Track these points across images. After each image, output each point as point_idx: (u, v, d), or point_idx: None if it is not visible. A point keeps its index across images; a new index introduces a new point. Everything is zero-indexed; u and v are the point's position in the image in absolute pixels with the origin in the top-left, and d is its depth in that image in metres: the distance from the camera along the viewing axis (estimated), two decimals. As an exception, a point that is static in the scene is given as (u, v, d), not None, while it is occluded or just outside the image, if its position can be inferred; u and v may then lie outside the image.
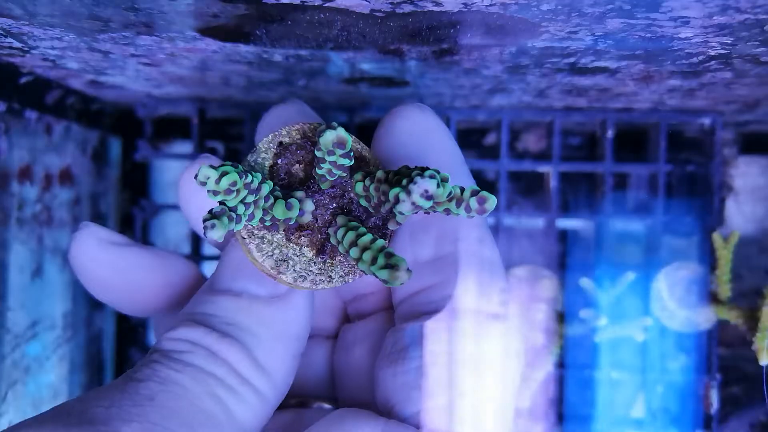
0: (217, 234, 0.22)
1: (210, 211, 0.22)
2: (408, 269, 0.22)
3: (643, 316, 0.53)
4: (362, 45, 0.34)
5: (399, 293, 0.28)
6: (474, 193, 0.23)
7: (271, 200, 0.24)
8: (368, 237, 0.23)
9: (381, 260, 0.22)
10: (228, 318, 0.26)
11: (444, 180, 0.22)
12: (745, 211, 0.61)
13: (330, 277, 0.26)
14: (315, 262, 0.25)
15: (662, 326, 0.53)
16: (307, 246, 0.26)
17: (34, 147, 0.46)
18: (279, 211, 0.24)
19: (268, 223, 0.25)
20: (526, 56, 0.36)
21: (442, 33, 0.32)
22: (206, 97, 0.52)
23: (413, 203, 0.21)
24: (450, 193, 0.22)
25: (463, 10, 0.28)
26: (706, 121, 0.53)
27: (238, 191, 0.22)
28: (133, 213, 0.56)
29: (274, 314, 0.26)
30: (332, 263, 0.26)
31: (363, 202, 0.25)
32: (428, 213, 0.24)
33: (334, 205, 0.26)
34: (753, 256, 0.61)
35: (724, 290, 0.51)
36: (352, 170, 0.26)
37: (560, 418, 0.54)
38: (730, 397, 0.59)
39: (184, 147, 0.60)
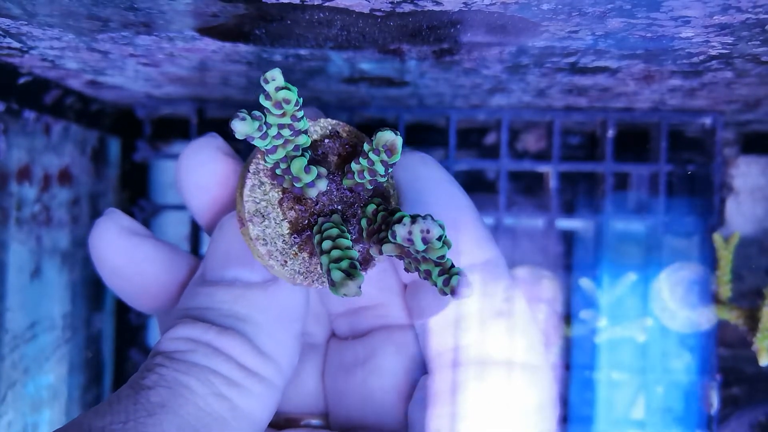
0: (241, 128, 0.22)
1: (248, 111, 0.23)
2: (359, 288, 0.22)
3: (643, 316, 0.53)
4: (362, 44, 0.34)
5: (431, 350, 0.28)
6: (460, 273, 0.22)
7: (299, 153, 0.24)
8: (348, 243, 0.23)
9: (344, 264, 0.22)
10: (225, 310, 0.26)
11: (447, 243, 0.22)
12: (746, 212, 0.61)
13: (285, 262, 0.25)
14: (285, 240, 0.25)
15: (663, 327, 0.53)
16: (290, 221, 0.26)
17: (33, 147, 0.46)
18: (296, 166, 0.24)
19: (278, 171, 0.25)
20: (527, 56, 0.36)
21: (443, 32, 0.32)
22: (205, 97, 0.52)
23: (409, 233, 0.21)
24: (443, 256, 0.22)
25: (464, 9, 0.28)
26: (707, 120, 0.53)
27: (284, 113, 0.22)
28: (133, 213, 0.56)
29: (270, 299, 0.26)
30: (296, 253, 0.26)
31: (363, 224, 0.25)
32: (408, 269, 0.24)
33: (339, 207, 0.26)
34: (753, 257, 0.61)
35: (725, 291, 0.51)
36: (374, 195, 0.26)
37: (562, 419, 0.54)
38: (730, 398, 0.59)
39: (184, 147, 0.60)
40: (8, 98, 0.42)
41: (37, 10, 0.29)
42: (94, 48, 0.36)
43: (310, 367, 0.30)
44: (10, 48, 0.36)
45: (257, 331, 0.26)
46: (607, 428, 0.54)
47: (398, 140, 0.23)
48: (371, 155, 0.24)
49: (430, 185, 0.27)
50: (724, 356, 0.59)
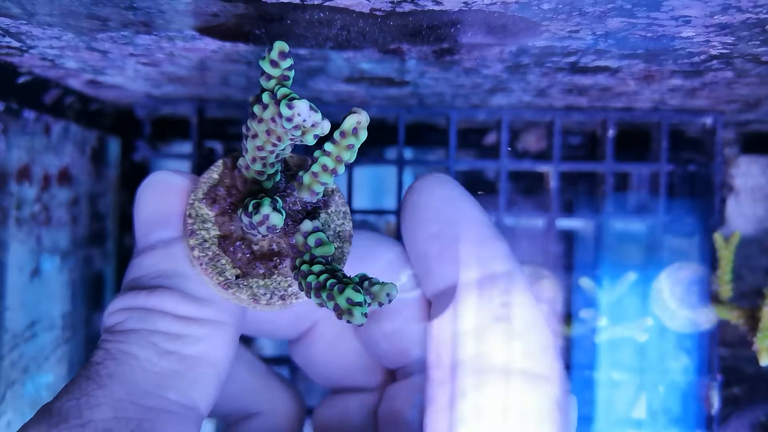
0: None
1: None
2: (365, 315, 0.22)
3: (643, 316, 0.53)
4: (362, 44, 0.34)
5: (431, 357, 0.29)
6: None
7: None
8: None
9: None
10: (153, 272, 0.27)
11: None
12: (746, 211, 0.61)
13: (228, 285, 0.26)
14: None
15: (663, 326, 0.53)
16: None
17: (33, 147, 0.46)
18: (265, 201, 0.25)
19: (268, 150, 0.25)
20: (527, 55, 0.36)
21: (443, 32, 0.32)
22: (205, 97, 0.52)
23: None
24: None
25: (464, 9, 0.28)
26: (708, 120, 0.53)
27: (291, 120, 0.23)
28: (132, 213, 0.56)
29: None
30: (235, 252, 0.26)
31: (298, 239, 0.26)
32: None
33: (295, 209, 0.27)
34: (754, 256, 0.61)
35: (725, 290, 0.51)
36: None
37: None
38: (730, 398, 0.59)
39: (183, 147, 0.60)
40: (8, 98, 0.42)
41: (36, 9, 0.29)
42: (93, 47, 0.36)
43: (356, 406, 0.32)
44: (9, 47, 0.36)
45: (185, 280, 0.26)
46: (608, 428, 0.54)
47: (358, 118, 0.24)
48: (336, 135, 0.25)
49: (446, 204, 0.28)
50: (724, 356, 0.59)
